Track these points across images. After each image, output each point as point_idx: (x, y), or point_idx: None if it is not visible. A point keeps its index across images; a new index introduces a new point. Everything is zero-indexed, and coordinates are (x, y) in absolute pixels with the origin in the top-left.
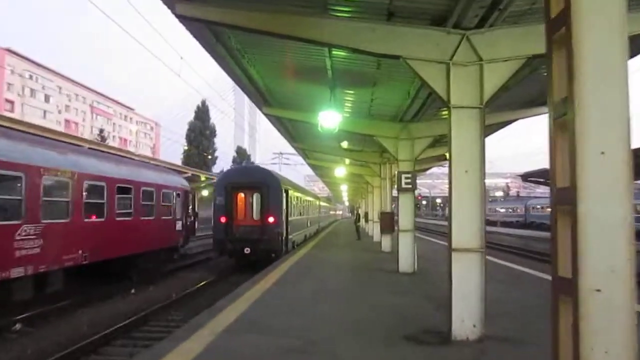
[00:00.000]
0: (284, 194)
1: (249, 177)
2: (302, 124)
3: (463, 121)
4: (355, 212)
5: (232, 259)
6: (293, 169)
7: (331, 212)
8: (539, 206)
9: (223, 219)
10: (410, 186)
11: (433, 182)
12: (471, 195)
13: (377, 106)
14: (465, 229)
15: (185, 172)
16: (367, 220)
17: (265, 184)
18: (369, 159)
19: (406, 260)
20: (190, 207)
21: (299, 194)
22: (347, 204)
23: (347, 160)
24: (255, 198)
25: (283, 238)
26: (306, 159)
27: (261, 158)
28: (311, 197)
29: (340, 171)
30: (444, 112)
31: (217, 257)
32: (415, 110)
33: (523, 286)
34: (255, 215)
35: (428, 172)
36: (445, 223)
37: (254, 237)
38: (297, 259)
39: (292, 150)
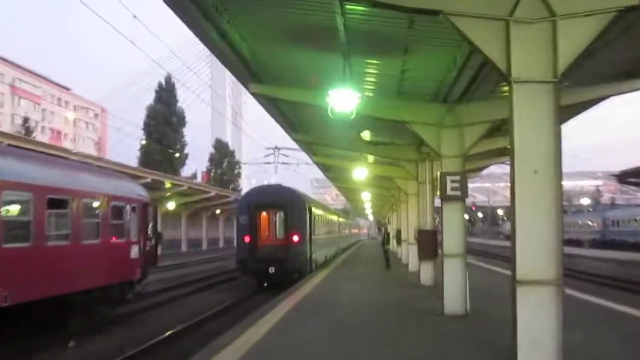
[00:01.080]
0: (308, 212)
1: (272, 196)
2: (305, 108)
3: (529, 101)
4: (383, 230)
5: (253, 281)
6: (294, 170)
7: (350, 231)
8: (622, 219)
9: (247, 239)
10: (459, 193)
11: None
12: (542, 205)
13: (410, 81)
14: (535, 253)
15: (144, 177)
16: (399, 242)
17: (289, 202)
18: (400, 155)
19: (454, 298)
20: (151, 225)
21: (322, 212)
22: (371, 218)
23: (370, 158)
24: (279, 217)
25: (307, 257)
26: (313, 156)
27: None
28: (332, 214)
29: (361, 173)
30: (505, 88)
31: (242, 276)
32: (464, 86)
33: (617, 332)
34: (279, 234)
35: (485, 172)
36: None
37: (278, 256)
38: (306, 294)
39: (293, 144)
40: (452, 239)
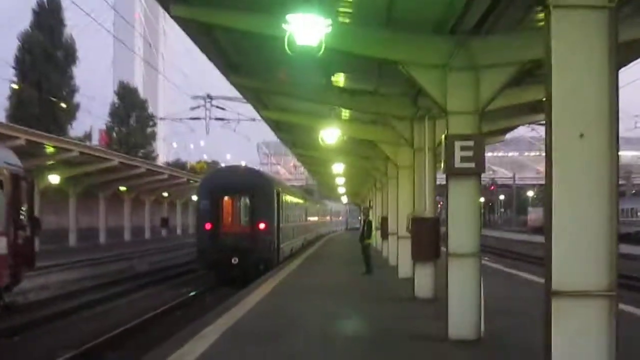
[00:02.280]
0: (276, 198)
1: (237, 179)
2: (252, 40)
3: (575, 34)
4: (362, 218)
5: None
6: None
7: (321, 218)
8: None
9: (208, 226)
10: (472, 165)
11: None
12: (590, 183)
13: (404, 3)
14: (579, 253)
15: (15, 137)
16: (384, 235)
17: (256, 186)
18: (388, 109)
19: (463, 317)
20: (25, 207)
21: (292, 198)
22: (344, 201)
23: (345, 114)
24: (244, 202)
25: (275, 247)
26: (262, 109)
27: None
28: (300, 197)
29: (332, 135)
30: (540, 16)
31: (203, 269)
32: (482, 12)
33: None
34: (245, 221)
35: (509, 136)
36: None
37: (243, 245)
38: (249, 311)
39: (233, 92)
40: (461, 232)
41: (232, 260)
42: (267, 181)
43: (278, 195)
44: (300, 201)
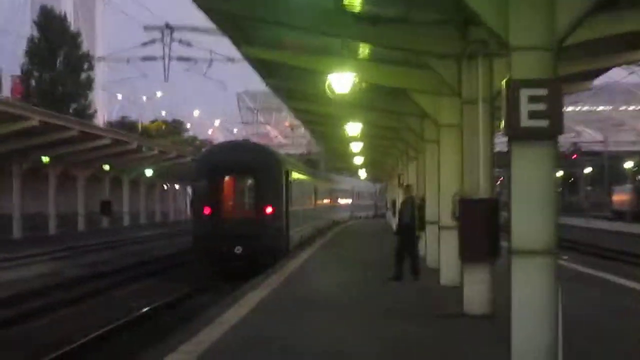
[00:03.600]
0: (285, 178)
1: (240, 156)
2: None
3: None
4: (401, 199)
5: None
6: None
7: (334, 200)
8: None
9: (207, 210)
10: (545, 124)
11: (613, 111)
12: None
13: None
14: None
15: None
16: (421, 225)
17: (262, 165)
18: (424, 44)
19: (532, 344)
20: None
21: (303, 176)
22: (362, 176)
23: (364, 51)
24: (249, 183)
25: (284, 235)
26: (244, 45)
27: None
28: (312, 176)
29: (344, 82)
30: None
31: (200, 260)
32: None
33: None
34: (249, 205)
35: (597, 82)
36: None
37: (248, 232)
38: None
39: (201, 19)
40: (529, 220)
41: (235, 250)
42: (274, 159)
43: (287, 175)
44: (315, 180)
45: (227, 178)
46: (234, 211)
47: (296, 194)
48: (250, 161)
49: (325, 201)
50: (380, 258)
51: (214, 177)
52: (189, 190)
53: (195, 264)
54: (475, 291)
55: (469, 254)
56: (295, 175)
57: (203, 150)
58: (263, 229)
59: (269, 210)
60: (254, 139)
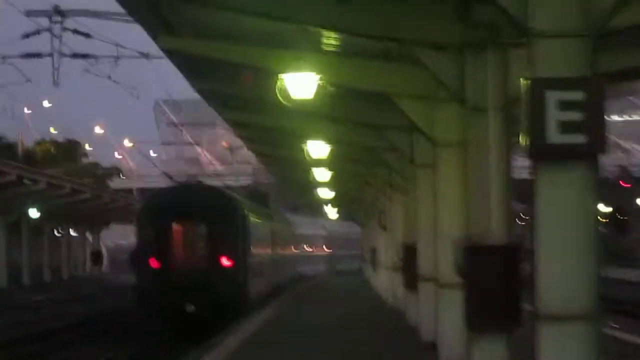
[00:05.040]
0: (243, 223)
1: (191, 199)
2: None
3: None
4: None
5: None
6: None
7: (291, 247)
8: None
9: (153, 262)
10: (581, 139)
11: None
12: None
13: None
14: None
15: None
16: (410, 283)
17: (216, 208)
18: (416, 30)
19: None
20: None
21: (263, 221)
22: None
23: (330, 39)
24: (201, 231)
25: (243, 287)
26: (162, 35)
27: None
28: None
29: (304, 83)
30: None
31: (145, 317)
32: None
33: None
34: (202, 255)
35: None
36: None
37: (201, 285)
38: None
39: (103, 2)
40: (560, 273)
41: (187, 307)
42: (231, 201)
43: (245, 219)
44: (277, 225)
45: (176, 225)
46: (184, 262)
47: (256, 241)
48: (202, 204)
49: (292, 250)
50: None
51: (160, 223)
52: (89, 238)
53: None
54: None
55: (479, 320)
56: (254, 220)
57: (148, 195)
58: (219, 281)
59: (225, 261)
60: (179, 164)
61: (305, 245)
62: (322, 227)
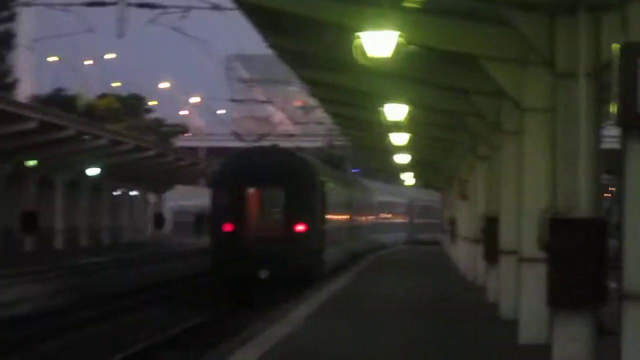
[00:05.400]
0: (319, 189)
1: (267, 164)
2: None
3: None
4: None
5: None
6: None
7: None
8: None
9: (228, 227)
10: None
11: None
12: None
13: None
14: None
15: None
16: (490, 256)
17: (292, 174)
18: None
19: None
20: None
21: (339, 187)
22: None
23: None
24: (276, 196)
25: (318, 255)
26: None
27: None
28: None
29: (383, 41)
30: None
31: (218, 282)
32: None
33: None
34: (277, 221)
35: None
36: None
37: (276, 253)
38: None
39: None
40: None
41: (261, 274)
42: (307, 166)
43: (322, 185)
44: (354, 191)
45: (251, 190)
46: (259, 228)
47: (332, 208)
48: (279, 170)
49: (369, 218)
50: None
51: (236, 189)
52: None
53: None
54: (572, 353)
55: (562, 298)
56: (330, 186)
57: (224, 158)
58: (294, 249)
59: (300, 227)
60: (248, 123)
61: (383, 213)
62: (401, 195)
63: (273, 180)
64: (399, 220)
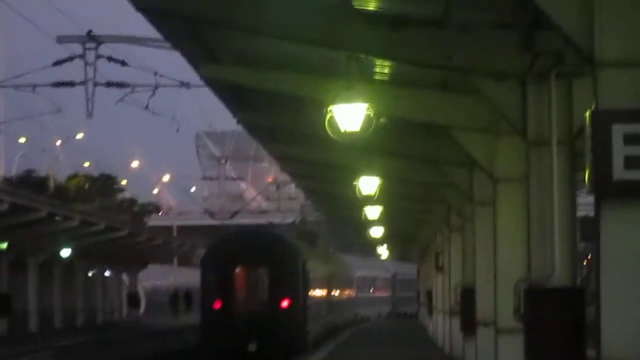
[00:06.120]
0: (302, 267)
1: (254, 245)
2: None
3: None
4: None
5: None
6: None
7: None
8: None
9: (218, 304)
10: None
11: None
12: None
13: None
14: None
15: None
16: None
17: (277, 254)
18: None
19: None
20: None
21: (321, 266)
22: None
23: (382, 68)
24: (263, 275)
25: (302, 329)
26: (204, 63)
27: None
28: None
29: (353, 115)
30: None
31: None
32: None
33: None
34: (263, 298)
35: None
36: None
37: (263, 327)
38: None
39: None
40: (626, 318)
41: (249, 347)
42: (291, 247)
43: (304, 264)
44: (334, 267)
45: (239, 269)
46: (247, 305)
47: (314, 285)
48: (265, 249)
49: (350, 292)
50: None
51: (225, 268)
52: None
53: None
54: None
55: None
56: (313, 265)
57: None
58: (279, 324)
59: (285, 303)
60: (222, 201)
61: (366, 287)
62: (383, 269)
63: (258, 260)
64: (381, 294)
